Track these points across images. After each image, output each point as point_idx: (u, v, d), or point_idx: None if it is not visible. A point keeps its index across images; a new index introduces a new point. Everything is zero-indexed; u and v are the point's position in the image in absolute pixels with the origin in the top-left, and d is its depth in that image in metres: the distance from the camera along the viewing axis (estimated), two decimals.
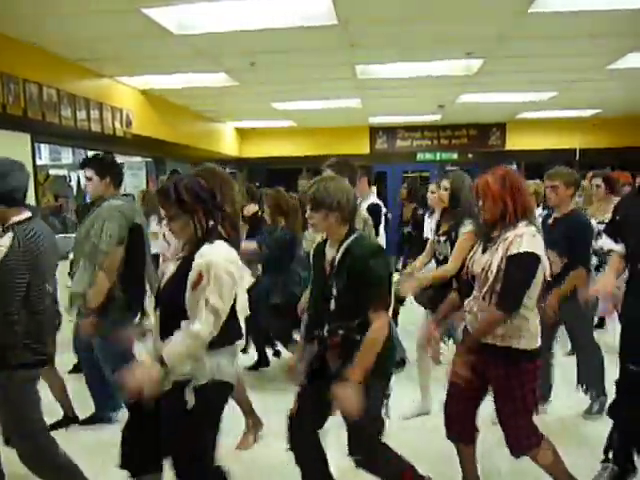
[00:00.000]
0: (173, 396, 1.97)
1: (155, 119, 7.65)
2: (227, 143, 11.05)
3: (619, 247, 2.58)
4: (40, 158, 7.28)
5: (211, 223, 2.02)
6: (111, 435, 2.52)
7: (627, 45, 5.55)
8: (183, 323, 1.94)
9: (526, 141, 11.11)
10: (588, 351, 3.41)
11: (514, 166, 11.48)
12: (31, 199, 4.92)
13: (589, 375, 3.45)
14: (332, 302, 2.14)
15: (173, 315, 1.98)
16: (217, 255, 1.95)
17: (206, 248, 1.96)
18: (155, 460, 2.07)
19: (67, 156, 8.61)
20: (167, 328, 1.99)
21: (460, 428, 2.43)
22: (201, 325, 1.91)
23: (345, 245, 2.15)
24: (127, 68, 6.16)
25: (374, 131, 11.68)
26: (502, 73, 6.68)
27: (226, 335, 2.00)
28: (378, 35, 5.06)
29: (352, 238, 2.17)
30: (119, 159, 7.66)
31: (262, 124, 11.01)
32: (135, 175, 8.63)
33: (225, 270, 1.93)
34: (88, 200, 3.56)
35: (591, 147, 10.89)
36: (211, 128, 10.19)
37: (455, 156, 11.61)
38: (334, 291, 2.14)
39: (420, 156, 11.73)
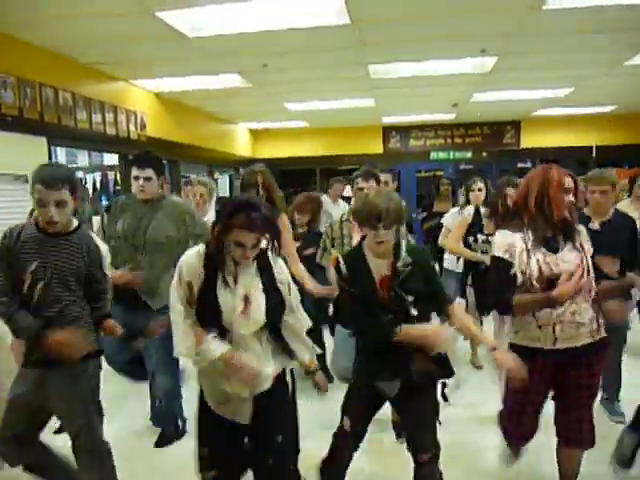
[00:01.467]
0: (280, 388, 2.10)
1: (169, 121, 7.70)
2: (240, 144, 11.09)
3: None
4: (57, 161, 7.37)
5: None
6: None
7: None
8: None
9: (541, 139, 10.99)
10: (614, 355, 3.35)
11: (529, 164, 11.40)
12: None
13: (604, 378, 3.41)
14: (411, 309, 2.15)
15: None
16: None
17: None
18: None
19: (83, 159, 8.69)
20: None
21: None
22: None
23: (404, 252, 2.20)
24: (141, 71, 6.21)
25: (387, 131, 11.64)
26: (517, 70, 6.62)
27: None
28: (390, 34, 5.04)
29: (404, 245, 2.24)
30: None
31: (275, 125, 11.03)
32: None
33: None
34: (124, 197, 3.48)
35: (607, 144, 10.76)
36: (224, 129, 10.24)
37: (469, 155, 11.53)
38: (409, 298, 2.15)
39: (434, 155, 11.67)
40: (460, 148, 11.57)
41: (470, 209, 4.27)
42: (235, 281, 1.99)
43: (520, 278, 2.15)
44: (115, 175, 8.07)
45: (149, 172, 3.13)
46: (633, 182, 4.38)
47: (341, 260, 2.25)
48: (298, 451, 2.28)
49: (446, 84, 7.24)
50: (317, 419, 2.92)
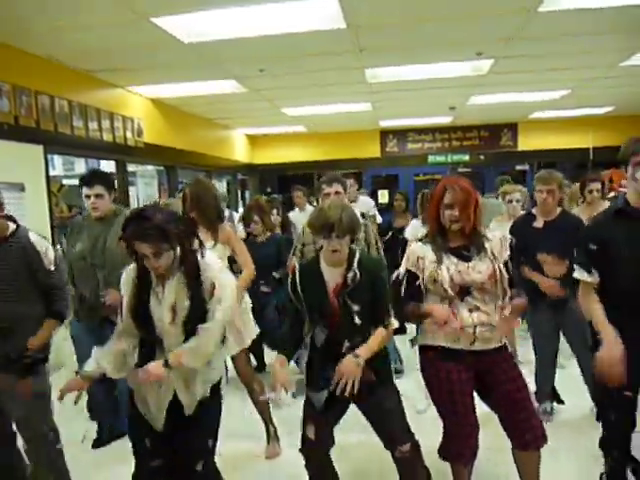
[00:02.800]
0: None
1: (166, 127, 7.70)
2: (238, 150, 11.09)
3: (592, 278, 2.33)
4: (54, 168, 7.34)
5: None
6: None
7: (638, 42, 5.47)
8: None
9: (538, 141, 11.00)
10: (586, 357, 3.32)
11: (527, 167, 11.41)
12: (44, 209, 4.98)
13: (587, 381, 3.39)
14: (356, 317, 2.22)
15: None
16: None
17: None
18: None
19: (80, 166, 8.68)
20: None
21: (473, 444, 2.33)
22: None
23: (356, 262, 2.24)
24: (137, 78, 6.21)
25: (385, 134, 11.65)
26: (513, 73, 6.62)
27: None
28: (387, 38, 5.04)
29: (358, 255, 2.27)
30: (131, 168, 7.79)
31: (273, 130, 11.03)
32: (148, 184, 8.69)
33: None
34: (80, 219, 3.49)
35: (605, 145, 10.77)
36: (222, 135, 10.24)
37: (467, 158, 11.53)
38: (355, 307, 2.21)
39: (431, 158, 11.67)
40: (458, 151, 11.58)
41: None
42: (164, 291, 2.03)
43: (432, 287, 2.24)
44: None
45: (99, 189, 3.14)
46: (583, 187, 4.37)
47: (297, 270, 2.32)
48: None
49: (443, 87, 7.25)
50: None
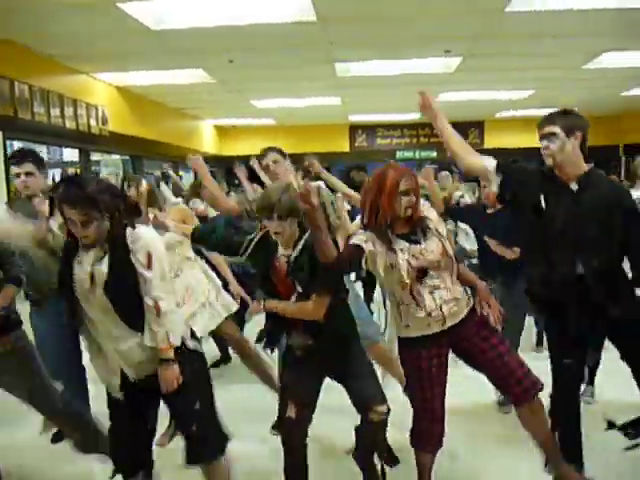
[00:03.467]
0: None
1: (132, 116, 7.54)
2: (206, 141, 10.96)
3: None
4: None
5: None
6: None
7: (602, 45, 5.63)
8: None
9: (504, 140, 11.23)
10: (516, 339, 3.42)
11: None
12: (3, 195, 4.83)
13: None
14: (294, 297, 2.25)
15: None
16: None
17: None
18: (148, 455, 2.15)
19: (41, 154, 8.43)
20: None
21: (440, 433, 2.35)
22: None
23: (302, 242, 2.25)
24: (103, 64, 6.06)
25: (354, 129, 11.69)
26: (480, 71, 6.73)
27: None
28: (357, 33, 5.05)
29: (308, 235, 2.24)
30: (95, 157, 7.61)
31: (241, 122, 10.94)
32: (113, 173, 8.50)
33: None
34: (17, 201, 3.40)
35: None
36: (190, 126, 10.09)
37: (434, 154, 11.69)
38: (298, 288, 2.24)
39: (400, 154, 11.78)
40: (426, 147, 11.72)
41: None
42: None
43: (387, 274, 2.24)
44: (76, 171, 7.86)
45: (29, 167, 3.03)
46: None
47: (253, 243, 2.36)
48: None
49: (412, 84, 7.29)
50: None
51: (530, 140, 11.91)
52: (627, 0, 4.27)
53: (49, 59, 5.61)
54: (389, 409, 2.31)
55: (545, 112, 2.51)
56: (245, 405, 3.28)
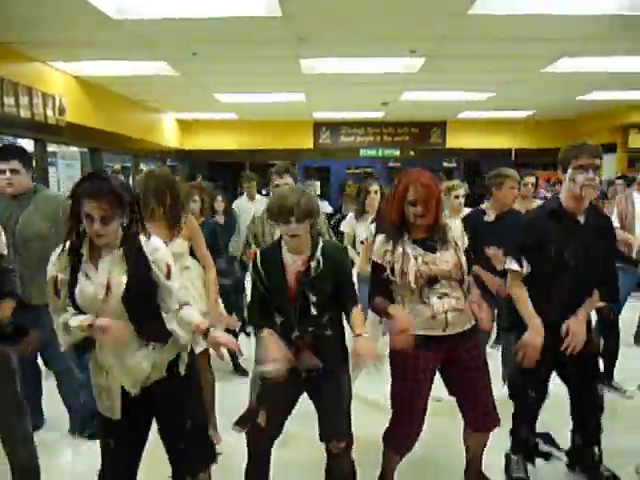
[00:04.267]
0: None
1: (91, 107, 7.33)
2: (168, 134, 10.77)
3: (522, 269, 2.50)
4: None
5: None
6: None
7: (559, 50, 5.80)
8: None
9: (465, 140, 11.44)
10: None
11: (454, 164, 11.85)
12: None
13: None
14: (312, 308, 2.24)
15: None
16: None
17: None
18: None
19: None
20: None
21: (415, 436, 2.42)
22: None
23: (319, 250, 2.25)
24: (60, 52, 5.86)
25: (318, 126, 11.70)
26: (443, 72, 6.83)
27: None
28: (322, 30, 5.05)
29: (322, 242, 2.28)
30: (52, 148, 7.37)
31: (205, 116, 10.80)
32: (70, 166, 8.24)
33: None
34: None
35: (526, 147, 11.36)
36: (151, 119, 9.90)
37: (397, 153, 11.81)
38: (313, 298, 2.23)
39: (363, 152, 11.86)
40: (389, 146, 11.83)
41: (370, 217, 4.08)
42: (97, 269, 1.94)
43: (399, 278, 2.31)
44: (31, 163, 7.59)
45: (15, 164, 2.93)
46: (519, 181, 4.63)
47: (258, 255, 2.32)
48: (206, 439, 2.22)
49: (376, 83, 7.36)
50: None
51: (489, 142, 12.27)
52: (584, 8, 4.41)
53: (2, 45, 5.40)
54: (351, 444, 2.35)
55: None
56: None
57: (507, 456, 2.79)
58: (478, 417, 2.41)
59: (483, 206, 3.64)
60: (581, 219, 2.43)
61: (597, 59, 6.05)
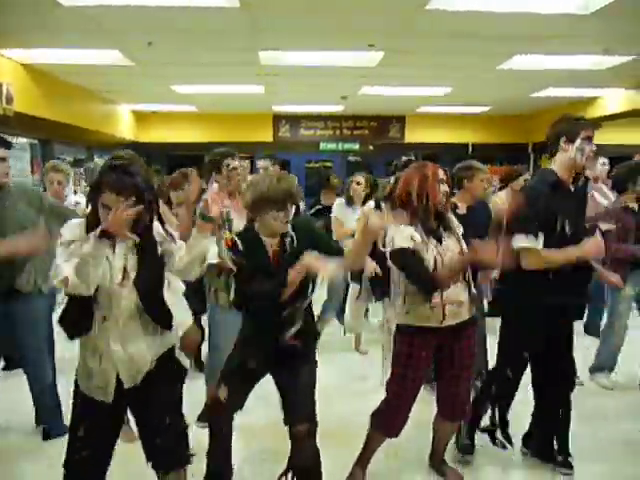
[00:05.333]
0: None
1: (41, 97, 7.06)
2: (123, 126, 10.48)
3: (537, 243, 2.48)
4: None
5: None
6: None
7: (513, 48, 5.92)
8: None
9: (423, 134, 11.58)
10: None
11: (412, 158, 11.96)
12: None
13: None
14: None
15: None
16: None
17: None
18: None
19: None
20: None
21: (403, 422, 2.48)
22: None
23: (290, 227, 2.28)
24: (6, 39, 5.61)
25: (277, 119, 11.62)
26: (401, 67, 6.88)
27: None
28: (281, 22, 5.00)
29: (292, 221, 2.31)
30: None
31: (162, 108, 10.56)
32: (19, 158, 7.90)
33: None
34: None
35: (482, 142, 11.60)
36: (105, 109, 9.61)
37: (357, 147, 11.85)
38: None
39: (323, 146, 11.85)
40: (349, 140, 11.86)
41: (371, 204, 4.21)
42: (113, 253, 1.94)
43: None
44: None
45: (2, 152, 2.84)
46: (510, 178, 4.72)
47: (236, 239, 2.30)
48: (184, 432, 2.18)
49: (335, 76, 7.35)
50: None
51: (447, 136, 12.45)
52: (539, 7, 4.51)
53: None
54: (315, 429, 2.34)
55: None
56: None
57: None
58: (449, 407, 2.50)
59: (453, 199, 3.64)
60: (572, 187, 2.53)
61: (551, 57, 6.20)
